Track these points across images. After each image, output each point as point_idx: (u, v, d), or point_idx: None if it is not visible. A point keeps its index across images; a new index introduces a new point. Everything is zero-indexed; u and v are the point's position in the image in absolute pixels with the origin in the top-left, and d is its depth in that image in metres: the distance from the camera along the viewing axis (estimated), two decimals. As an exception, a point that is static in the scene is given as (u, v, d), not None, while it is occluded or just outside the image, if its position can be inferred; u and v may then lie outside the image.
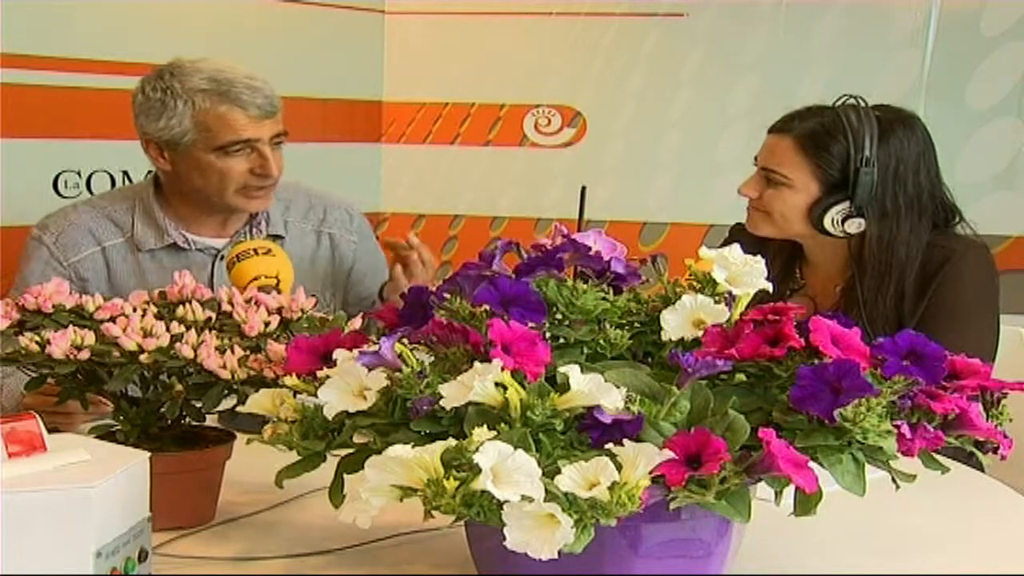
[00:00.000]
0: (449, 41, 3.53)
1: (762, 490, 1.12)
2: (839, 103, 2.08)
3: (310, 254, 2.30)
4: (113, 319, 1.38)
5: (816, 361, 1.14)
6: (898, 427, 1.13)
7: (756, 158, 2.14)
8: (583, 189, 1.56)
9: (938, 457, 1.19)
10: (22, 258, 2.19)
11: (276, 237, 2.23)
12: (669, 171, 3.45)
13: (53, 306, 1.42)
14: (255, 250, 1.85)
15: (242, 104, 2.07)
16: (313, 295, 1.49)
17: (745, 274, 1.29)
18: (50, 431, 1.17)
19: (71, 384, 1.40)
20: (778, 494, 1.11)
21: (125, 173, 2.85)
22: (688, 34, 3.40)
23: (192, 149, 2.09)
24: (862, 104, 2.07)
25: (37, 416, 1.16)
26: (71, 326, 1.37)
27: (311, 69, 3.28)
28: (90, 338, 1.35)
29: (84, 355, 1.34)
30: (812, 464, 1.08)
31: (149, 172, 2.78)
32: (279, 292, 1.72)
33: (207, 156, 2.09)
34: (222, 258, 2.15)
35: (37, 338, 1.36)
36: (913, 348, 1.18)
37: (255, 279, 1.81)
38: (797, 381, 1.12)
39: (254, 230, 2.22)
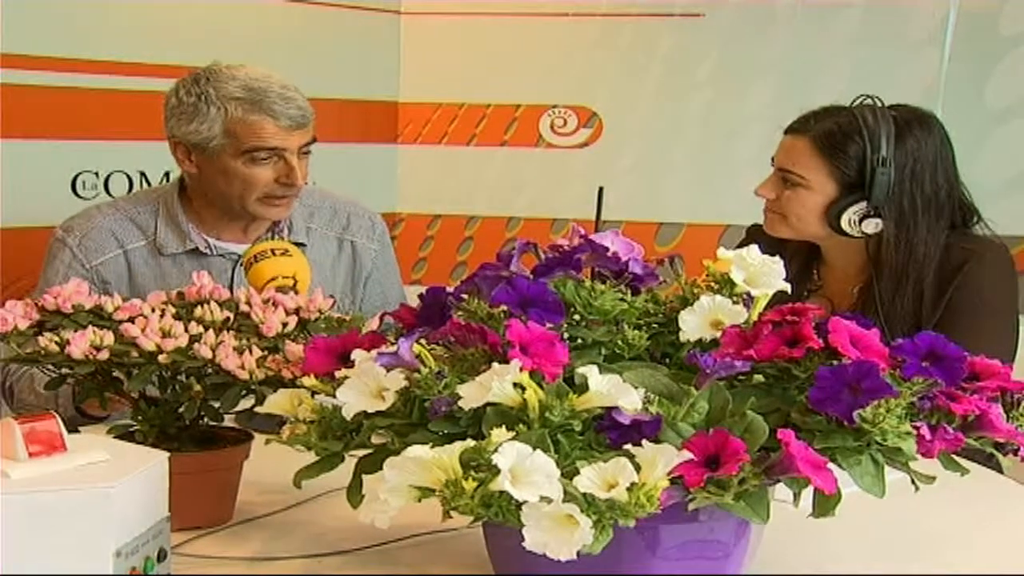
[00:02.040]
0: (465, 42, 3.53)
1: (780, 491, 1.12)
2: (856, 103, 2.08)
3: (331, 260, 2.31)
4: (132, 319, 1.39)
5: (835, 362, 1.14)
6: (918, 428, 1.13)
7: (773, 159, 2.13)
8: (600, 190, 1.56)
9: (957, 459, 1.19)
10: (46, 260, 2.20)
11: (298, 244, 2.24)
12: (685, 172, 3.45)
13: (72, 306, 1.43)
14: (272, 251, 1.85)
15: (274, 114, 2.09)
16: (331, 296, 1.49)
17: (763, 275, 1.29)
18: (71, 431, 1.18)
19: (90, 384, 1.41)
20: (796, 495, 1.11)
21: (143, 174, 2.86)
22: (705, 34, 3.40)
23: (219, 154, 2.10)
24: (879, 104, 2.06)
25: (56, 416, 1.17)
26: (90, 326, 1.38)
27: (327, 70, 3.28)
28: (109, 338, 1.36)
29: (103, 355, 1.35)
30: (831, 465, 1.08)
31: (167, 174, 2.80)
32: (296, 293, 1.72)
33: (233, 162, 2.10)
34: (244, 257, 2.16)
35: (56, 338, 1.37)
36: (932, 349, 1.17)
37: (272, 280, 1.82)
38: (816, 382, 1.12)
39: (276, 237, 2.23)
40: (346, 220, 2.34)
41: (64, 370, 1.40)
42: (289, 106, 2.10)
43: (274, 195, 2.13)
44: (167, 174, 2.81)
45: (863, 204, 2.03)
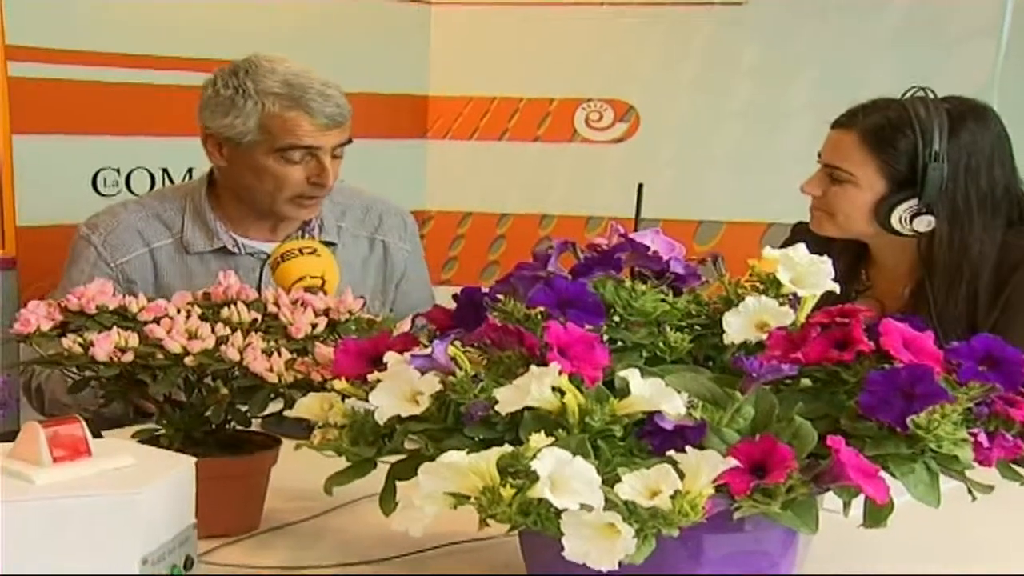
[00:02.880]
0: (497, 33, 3.54)
1: (829, 500, 1.12)
2: (906, 95, 2.06)
3: (362, 261, 2.32)
4: (157, 320, 1.40)
5: (887, 366, 1.14)
6: (974, 435, 1.12)
7: (819, 154, 2.13)
8: (640, 187, 1.56)
9: (1016, 467, 1.18)
10: (70, 258, 2.22)
11: (328, 244, 2.25)
12: (725, 168, 3.44)
13: (96, 307, 1.44)
14: (300, 250, 1.86)
15: (311, 112, 2.10)
16: (361, 296, 1.50)
17: (811, 275, 1.29)
18: (95, 435, 1.19)
19: (114, 387, 1.42)
20: (846, 505, 1.11)
21: (165, 171, 2.88)
22: (746, 23, 3.39)
23: (252, 150, 2.12)
24: (931, 96, 2.05)
25: (81, 419, 1.18)
26: (115, 328, 1.39)
27: (354, 63, 3.29)
28: (134, 340, 1.37)
29: (128, 357, 1.36)
30: (883, 474, 1.08)
31: (190, 171, 2.82)
32: (324, 293, 1.73)
33: (265, 159, 2.12)
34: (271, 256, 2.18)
35: (80, 340, 1.38)
36: (989, 352, 1.17)
37: (300, 280, 1.83)
38: (867, 387, 1.12)
39: (306, 236, 2.24)
40: (378, 219, 2.35)
41: (88, 373, 1.41)
42: (327, 104, 2.11)
43: (304, 196, 2.15)
44: (190, 171, 2.83)
45: (914, 201, 2.02)
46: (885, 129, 2.04)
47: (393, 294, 2.37)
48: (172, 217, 2.22)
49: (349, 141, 2.17)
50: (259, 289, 1.52)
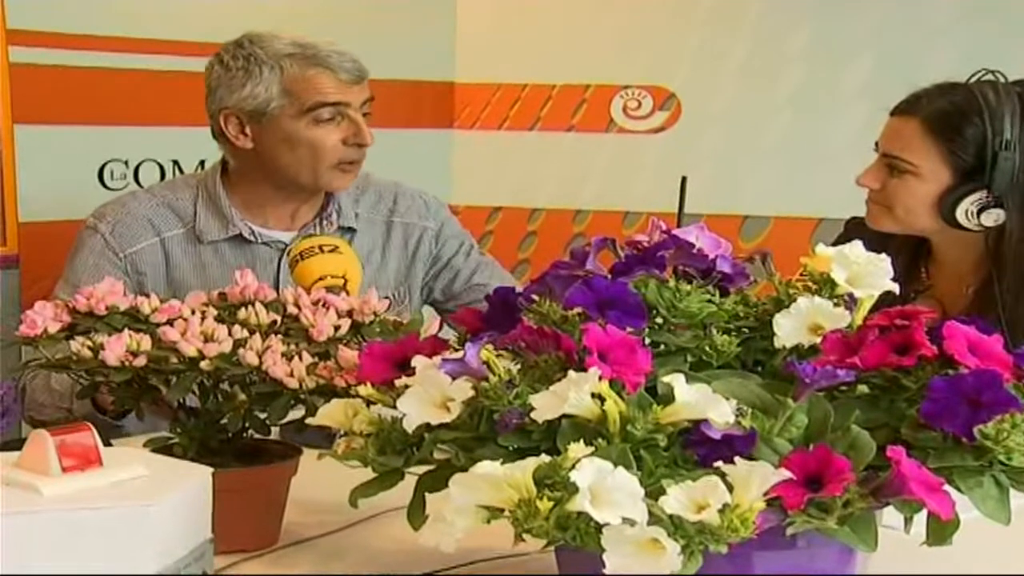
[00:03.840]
0: (528, 14, 3.54)
1: (888, 516, 1.12)
2: (974, 79, 2.05)
3: (381, 246, 2.34)
4: (171, 322, 1.42)
5: (951, 372, 1.14)
6: (1047, 447, 1.12)
7: (877, 144, 2.12)
8: (683, 180, 1.56)
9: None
10: (74, 248, 2.23)
11: (348, 230, 2.27)
12: (773, 158, 3.43)
13: (107, 308, 1.45)
14: (320, 247, 1.87)
15: (331, 67, 2.14)
16: (386, 297, 1.51)
17: (868, 274, 1.29)
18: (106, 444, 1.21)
19: (126, 393, 1.43)
20: (908, 520, 1.11)
21: (175, 163, 2.90)
22: (795, 4, 3.38)
23: (279, 119, 2.15)
24: (1001, 80, 2.04)
25: (92, 427, 1.19)
26: (126, 330, 1.40)
27: (375, 48, 3.26)
28: (146, 343, 1.39)
29: (140, 361, 1.38)
30: (947, 487, 1.07)
31: (202, 162, 2.84)
32: (347, 293, 1.74)
33: (296, 124, 2.15)
34: (289, 253, 2.19)
35: (90, 343, 1.39)
36: (1063, 357, 1.17)
37: (320, 279, 1.84)
38: (929, 394, 1.11)
39: (324, 222, 2.26)
40: (392, 201, 2.37)
41: (98, 377, 1.42)
42: (344, 59, 2.16)
43: (344, 160, 2.18)
44: (202, 163, 2.84)
45: (982, 193, 2.01)
46: (951, 115, 2.03)
47: (433, 279, 2.37)
48: (184, 206, 2.24)
49: (372, 99, 2.20)
50: (278, 282, 1.53)
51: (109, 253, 2.19)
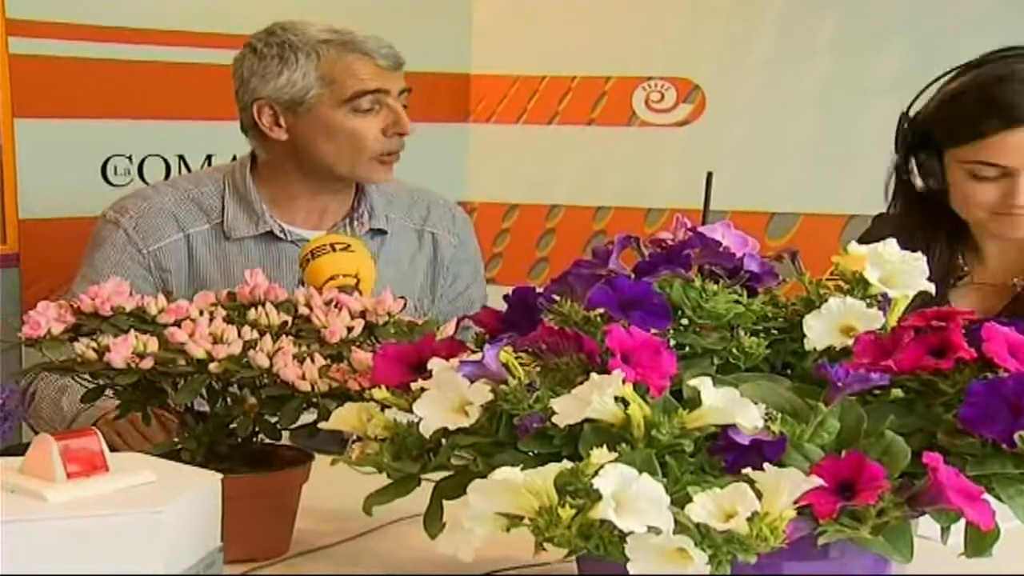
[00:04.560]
0: (546, 4, 3.55)
1: (924, 525, 1.11)
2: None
3: (410, 255, 2.34)
4: (178, 323, 1.42)
5: (990, 375, 1.13)
6: (1092, 453, 1.12)
7: (986, 163, 2.06)
8: (709, 175, 1.56)
9: None
10: (93, 243, 2.22)
11: (379, 232, 2.27)
12: (802, 153, 3.43)
13: (112, 308, 1.46)
14: (332, 245, 1.88)
15: (369, 52, 2.16)
16: (402, 297, 1.51)
17: (903, 273, 1.29)
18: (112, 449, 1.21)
19: (131, 397, 1.44)
20: (945, 530, 1.11)
21: (181, 158, 2.90)
22: (825, -9, 3.38)
23: (317, 107, 2.16)
24: None
25: (98, 432, 1.20)
26: (132, 331, 1.41)
27: (389, 38, 3.31)
28: (153, 344, 1.39)
29: (147, 364, 1.38)
30: (987, 496, 1.07)
31: (208, 158, 2.85)
32: (360, 293, 1.75)
33: (335, 113, 2.16)
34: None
35: (95, 344, 1.40)
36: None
37: (332, 278, 1.84)
38: (968, 398, 1.11)
39: (356, 223, 2.26)
40: (426, 210, 2.38)
41: (102, 381, 1.43)
42: (381, 45, 2.18)
43: (385, 152, 2.19)
44: (209, 158, 2.86)
45: None
46: None
47: (440, 291, 2.38)
48: (210, 200, 2.24)
49: (409, 90, 2.22)
50: (303, 281, 1.53)
51: (132, 249, 2.18)
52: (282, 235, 2.23)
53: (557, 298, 1.26)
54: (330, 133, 2.16)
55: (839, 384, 1.13)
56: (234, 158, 2.35)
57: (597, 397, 1.09)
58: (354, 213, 2.28)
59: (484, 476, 1.06)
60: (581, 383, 1.12)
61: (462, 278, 2.41)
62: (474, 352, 1.25)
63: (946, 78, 2.10)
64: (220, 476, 1.22)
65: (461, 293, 2.41)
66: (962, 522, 1.07)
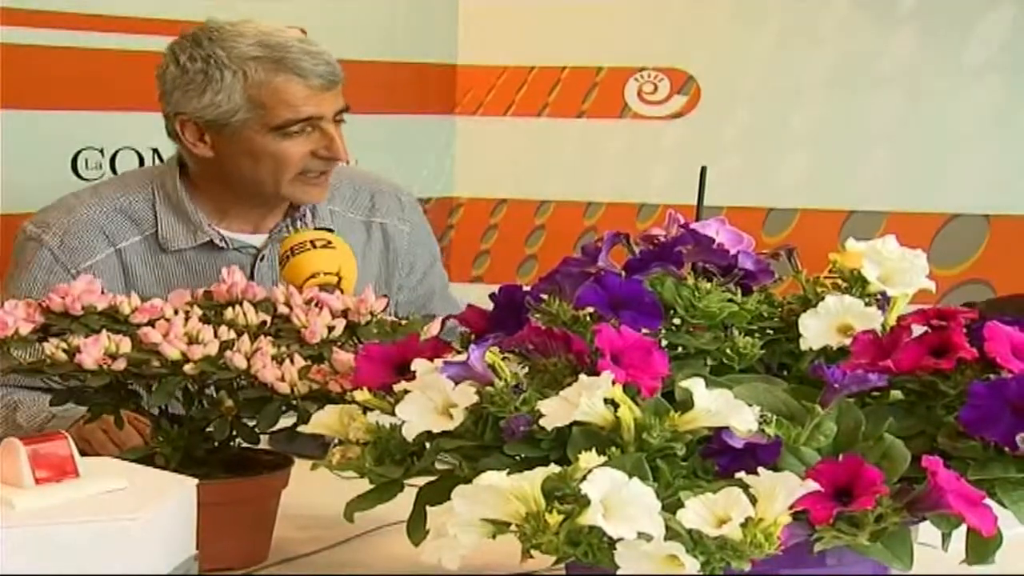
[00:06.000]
0: (535, -8, 3.55)
1: (924, 531, 1.12)
2: None
3: (360, 249, 2.26)
4: (152, 323, 1.42)
5: (992, 376, 1.14)
6: (1097, 457, 1.12)
7: None
8: (703, 170, 1.57)
9: None
10: (16, 263, 2.15)
11: (325, 231, 2.24)
12: (800, 147, 3.43)
13: (82, 307, 1.46)
14: (312, 242, 1.88)
15: (302, 73, 2.06)
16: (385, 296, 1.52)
17: (902, 270, 1.30)
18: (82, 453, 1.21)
19: (103, 400, 1.44)
20: (946, 536, 1.11)
21: (155, 151, 2.89)
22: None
23: (243, 130, 2.08)
24: None
25: (68, 436, 1.20)
26: (104, 331, 1.41)
27: (371, 27, 3.31)
28: (126, 345, 1.39)
29: (119, 365, 1.38)
30: (988, 501, 1.08)
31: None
32: (341, 291, 1.75)
33: (261, 138, 2.08)
34: (262, 258, 2.16)
35: (64, 345, 1.40)
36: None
37: (313, 276, 1.84)
38: (969, 400, 1.12)
39: (298, 223, 2.19)
40: (369, 200, 2.32)
41: (73, 383, 1.43)
42: (317, 62, 2.08)
43: (312, 171, 2.11)
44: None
45: None
46: None
47: (398, 283, 2.34)
48: (140, 210, 2.16)
49: (347, 108, 2.14)
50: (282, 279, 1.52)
51: (59, 269, 2.09)
52: (223, 244, 2.15)
53: (545, 297, 1.26)
54: (255, 156, 2.09)
55: (836, 385, 1.13)
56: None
57: (586, 399, 1.10)
58: (296, 213, 2.21)
59: (469, 481, 1.07)
60: (569, 385, 1.13)
61: (419, 264, 2.37)
62: (459, 353, 1.25)
63: None
64: (195, 481, 1.22)
65: (421, 280, 2.37)
66: (963, 528, 1.08)
